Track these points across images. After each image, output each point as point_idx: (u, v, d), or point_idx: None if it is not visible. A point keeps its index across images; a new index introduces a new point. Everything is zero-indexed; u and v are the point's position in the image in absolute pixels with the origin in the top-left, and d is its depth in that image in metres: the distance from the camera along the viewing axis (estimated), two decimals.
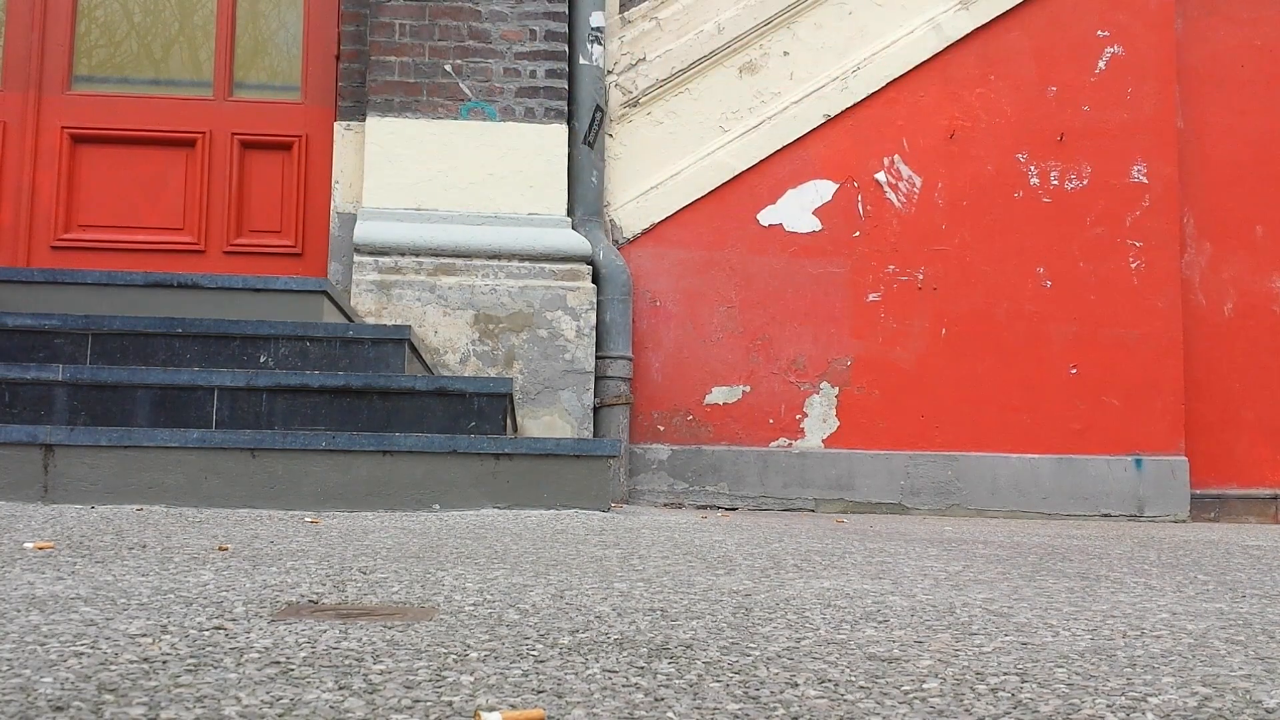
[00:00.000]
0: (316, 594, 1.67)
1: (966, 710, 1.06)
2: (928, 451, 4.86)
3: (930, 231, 4.97)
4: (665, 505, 4.71)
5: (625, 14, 5.02)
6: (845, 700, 1.09)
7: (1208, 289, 5.22)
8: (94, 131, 4.99)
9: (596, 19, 4.88)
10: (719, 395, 4.84)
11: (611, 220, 4.89)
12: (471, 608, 1.57)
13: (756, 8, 5.02)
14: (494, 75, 4.80)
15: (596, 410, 4.65)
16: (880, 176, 4.98)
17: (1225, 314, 5.21)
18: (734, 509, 4.69)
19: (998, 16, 5.07)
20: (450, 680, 1.13)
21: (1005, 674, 1.22)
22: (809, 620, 1.53)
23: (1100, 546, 2.88)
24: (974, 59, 5.06)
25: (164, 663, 1.16)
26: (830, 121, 4.98)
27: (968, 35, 5.06)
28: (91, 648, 1.22)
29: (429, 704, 1.03)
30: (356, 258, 4.62)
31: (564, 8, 4.85)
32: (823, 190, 4.96)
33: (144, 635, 1.30)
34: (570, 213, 4.80)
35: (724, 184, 4.93)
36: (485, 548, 2.33)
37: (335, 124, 4.95)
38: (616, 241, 4.87)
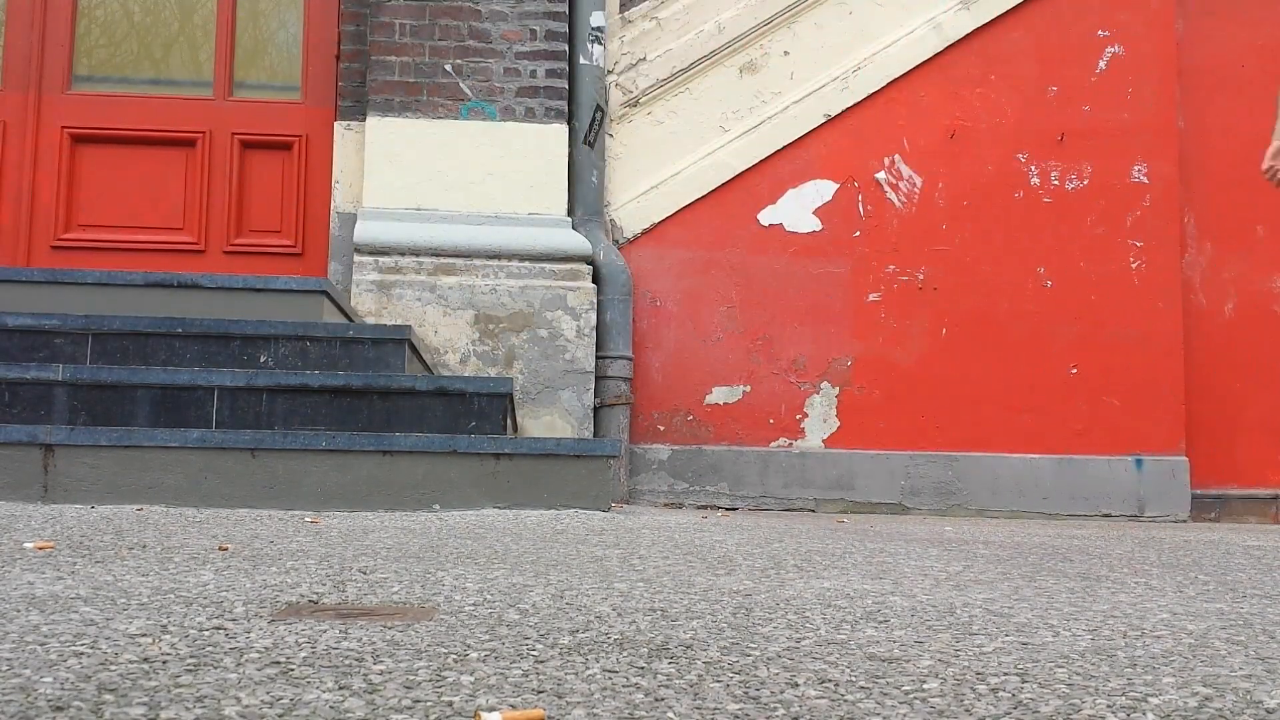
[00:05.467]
0: (316, 594, 1.66)
1: (967, 710, 1.06)
2: (928, 451, 4.86)
3: (931, 231, 4.97)
4: (665, 505, 4.71)
5: (625, 14, 5.02)
6: (846, 700, 1.09)
7: (1208, 289, 5.21)
8: (94, 131, 4.98)
9: (597, 19, 4.88)
10: (719, 395, 4.84)
11: (612, 220, 4.88)
12: (472, 608, 1.57)
13: (757, 7, 5.02)
14: (494, 75, 4.80)
15: (597, 410, 4.65)
16: (881, 176, 4.98)
17: (1226, 314, 5.21)
18: (734, 509, 4.69)
19: (998, 16, 5.07)
20: (450, 680, 1.13)
21: (1006, 674, 1.22)
22: (809, 620, 1.53)
23: (1101, 547, 2.88)
24: (974, 59, 5.06)
25: (164, 663, 1.16)
26: (831, 121, 4.98)
27: (968, 35, 5.06)
28: (91, 648, 1.22)
29: (429, 704, 1.03)
30: (356, 258, 4.62)
31: (564, 8, 4.85)
32: (823, 190, 4.96)
33: (144, 635, 1.30)
34: (570, 213, 4.79)
35: (724, 184, 4.92)
36: (485, 548, 2.33)
37: (335, 124, 4.95)
38: (616, 241, 4.86)
